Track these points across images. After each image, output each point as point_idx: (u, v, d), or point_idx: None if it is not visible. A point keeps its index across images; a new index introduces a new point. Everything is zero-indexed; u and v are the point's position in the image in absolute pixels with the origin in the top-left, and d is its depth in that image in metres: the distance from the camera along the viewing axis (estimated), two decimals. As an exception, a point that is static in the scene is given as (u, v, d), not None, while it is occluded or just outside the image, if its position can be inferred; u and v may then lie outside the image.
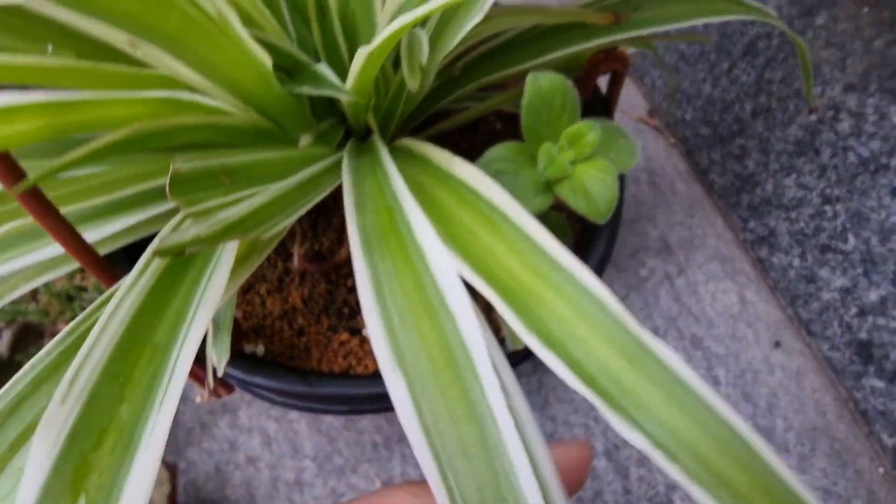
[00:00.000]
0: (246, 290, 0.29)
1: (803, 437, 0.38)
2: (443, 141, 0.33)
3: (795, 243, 0.40)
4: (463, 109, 0.31)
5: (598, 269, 0.26)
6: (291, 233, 0.31)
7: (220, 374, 0.22)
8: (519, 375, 0.40)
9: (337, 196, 0.32)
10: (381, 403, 0.25)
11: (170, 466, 0.38)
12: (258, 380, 0.24)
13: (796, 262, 0.41)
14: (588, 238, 0.28)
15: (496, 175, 0.23)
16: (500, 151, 0.23)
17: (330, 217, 0.31)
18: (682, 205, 0.49)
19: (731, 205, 0.46)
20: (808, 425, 0.38)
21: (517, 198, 0.23)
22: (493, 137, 0.34)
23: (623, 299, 0.43)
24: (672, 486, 0.36)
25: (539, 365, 0.41)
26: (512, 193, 0.23)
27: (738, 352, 0.41)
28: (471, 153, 0.34)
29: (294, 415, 0.39)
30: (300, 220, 0.32)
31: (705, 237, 0.47)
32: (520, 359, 0.27)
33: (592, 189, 0.22)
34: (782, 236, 0.41)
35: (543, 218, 0.28)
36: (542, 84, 0.22)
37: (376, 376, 0.24)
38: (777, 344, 0.41)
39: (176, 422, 0.41)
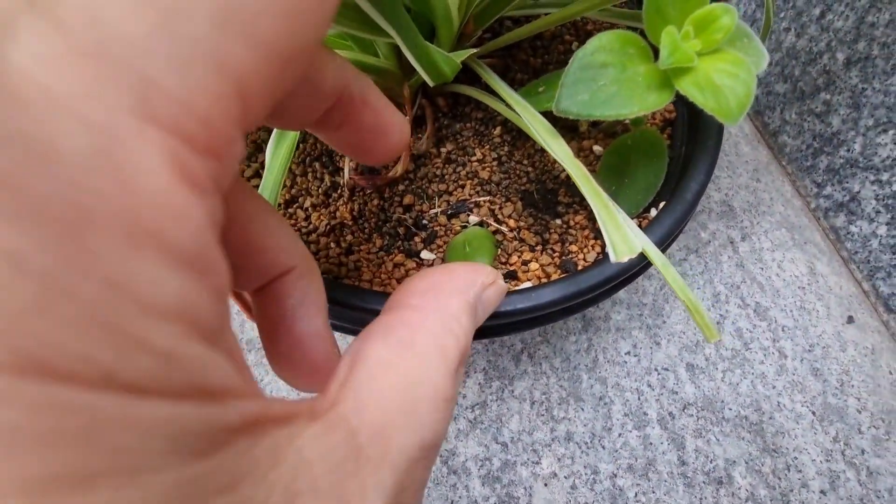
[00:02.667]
0: (289, 203, 0.26)
1: (878, 419, 0.34)
2: (512, 58, 0.30)
3: (883, 209, 0.36)
4: (535, 17, 0.27)
5: (696, 197, 0.23)
6: (340, 145, 0.27)
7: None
8: (568, 333, 0.37)
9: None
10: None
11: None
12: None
13: (882, 230, 0.37)
14: (683, 164, 0.25)
15: (599, 68, 0.19)
16: (604, 40, 0.20)
17: (383, 132, 0.28)
18: (746, 168, 0.45)
19: (804, 169, 0.43)
20: (883, 407, 0.35)
21: (625, 94, 0.19)
22: (568, 59, 0.30)
23: (682, 261, 0.40)
24: (732, 461, 0.33)
25: (589, 324, 0.37)
26: (619, 89, 0.19)
27: (807, 325, 0.38)
28: (542, 72, 0.30)
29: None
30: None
31: (772, 203, 0.43)
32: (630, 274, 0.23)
33: (724, 84, 0.18)
34: (867, 202, 0.38)
35: (639, 135, 0.24)
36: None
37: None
38: (850, 319, 0.38)
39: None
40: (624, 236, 0.17)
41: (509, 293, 0.21)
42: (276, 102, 0.09)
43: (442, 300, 0.13)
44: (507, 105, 0.25)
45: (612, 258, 0.17)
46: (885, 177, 0.36)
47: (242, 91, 0.08)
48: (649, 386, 0.35)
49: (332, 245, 0.24)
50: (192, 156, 0.07)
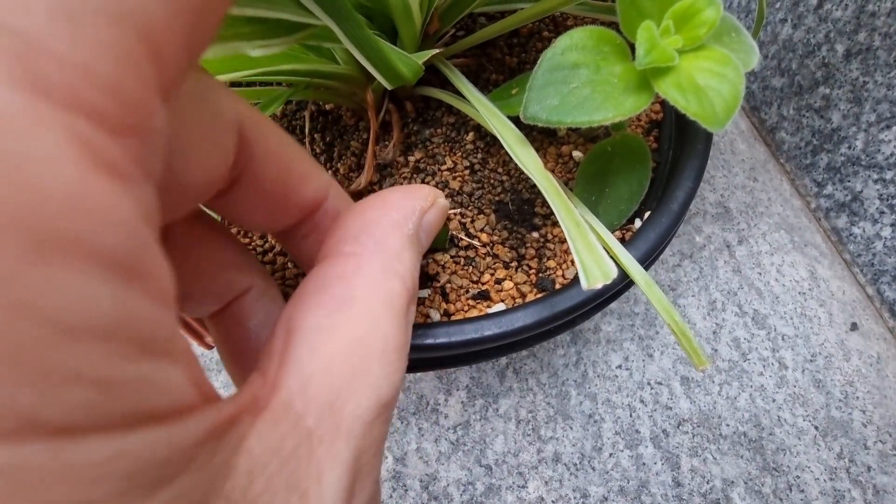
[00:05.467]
0: (243, 220, 0.24)
1: (884, 433, 0.32)
2: (487, 57, 0.28)
3: (888, 209, 0.34)
4: (511, 13, 0.25)
5: (683, 207, 0.21)
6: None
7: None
8: (556, 347, 0.35)
9: (360, 117, 0.27)
10: (424, 357, 0.20)
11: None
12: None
13: (886, 231, 0.35)
14: (671, 169, 0.23)
15: (571, 69, 0.18)
16: (576, 37, 0.18)
17: (348, 141, 0.26)
18: (742, 167, 0.43)
19: (804, 167, 0.41)
20: (890, 420, 0.33)
21: (598, 98, 0.17)
22: (546, 56, 0.28)
23: (675, 267, 0.38)
24: (730, 482, 0.31)
25: (578, 337, 0.36)
26: (592, 92, 0.17)
27: (809, 333, 0.36)
28: (518, 72, 0.28)
29: (296, 377, 0.34)
30: (312, 143, 0.26)
31: (770, 203, 0.41)
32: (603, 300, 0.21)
33: (708, 85, 0.16)
34: (870, 202, 0.36)
35: (620, 141, 0.22)
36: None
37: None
38: (854, 326, 0.36)
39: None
40: (597, 258, 0.15)
41: (479, 318, 0.19)
42: (195, 59, 0.08)
43: (379, 240, 0.12)
44: (478, 109, 0.23)
45: (584, 285, 0.15)
46: (888, 175, 0.34)
47: (153, 46, 0.06)
48: (642, 401, 0.33)
49: (290, 265, 0.23)
50: (105, 136, 0.06)
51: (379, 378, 0.11)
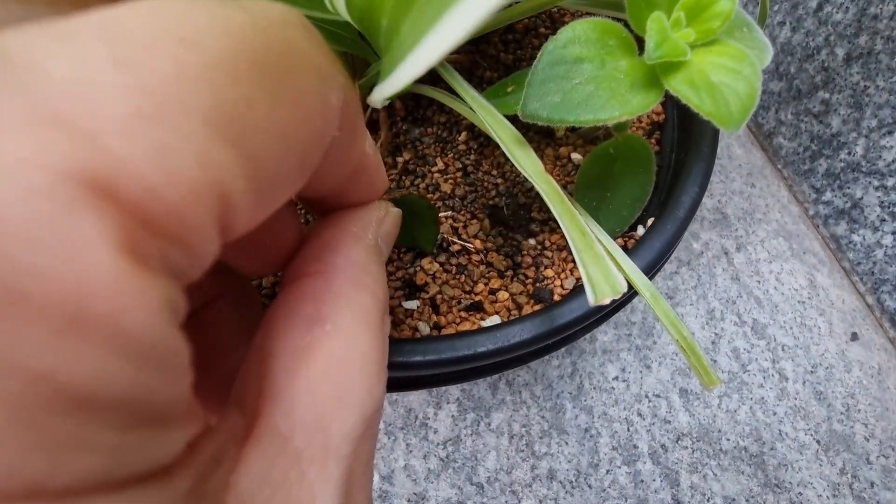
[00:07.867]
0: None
1: (887, 447, 0.31)
2: (481, 54, 0.26)
3: (889, 217, 0.34)
4: (505, 7, 0.24)
5: (690, 214, 0.20)
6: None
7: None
8: (550, 357, 0.34)
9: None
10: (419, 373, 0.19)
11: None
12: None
13: (888, 239, 0.34)
14: (674, 174, 0.21)
15: (573, 63, 0.16)
16: (579, 30, 0.16)
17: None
18: (740, 172, 0.42)
19: (802, 173, 0.40)
20: (892, 433, 0.32)
21: (603, 95, 0.16)
22: (543, 54, 0.26)
23: (673, 275, 0.37)
24: (731, 499, 0.30)
25: (573, 348, 0.34)
26: (596, 89, 0.16)
27: (809, 343, 0.35)
28: (514, 69, 0.27)
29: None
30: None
31: (768, 210, 0.40)
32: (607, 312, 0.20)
33: (722, 83, 0.15)
34: (871, 209, 0.35)
35: (622, 142, 0.21)
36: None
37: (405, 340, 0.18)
38: (854, 336, 0.35)
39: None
40: (605, 271, 0.14)
41: (472, 332, 0.18)
42: (261, 220, 0.08)
43: (343, 255, 0.12)
44: (472, 108, 0.22)
45: (591, 300, 0.14)
46: (890, 182, 0.33)
47: (224, 195, 0.07)
48: (639, 415, 0.32)
49: (268, 273, 0.21)
50: (151, 238, 0.07)
51: (362, 393, 0.11)
